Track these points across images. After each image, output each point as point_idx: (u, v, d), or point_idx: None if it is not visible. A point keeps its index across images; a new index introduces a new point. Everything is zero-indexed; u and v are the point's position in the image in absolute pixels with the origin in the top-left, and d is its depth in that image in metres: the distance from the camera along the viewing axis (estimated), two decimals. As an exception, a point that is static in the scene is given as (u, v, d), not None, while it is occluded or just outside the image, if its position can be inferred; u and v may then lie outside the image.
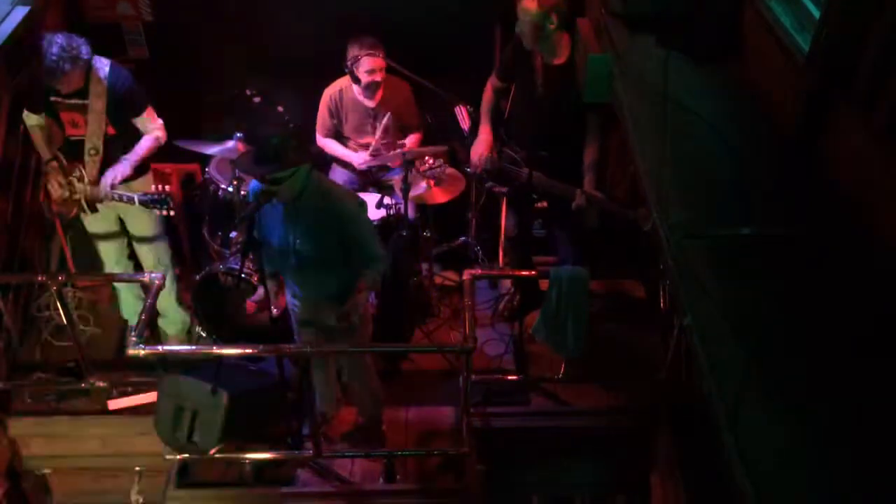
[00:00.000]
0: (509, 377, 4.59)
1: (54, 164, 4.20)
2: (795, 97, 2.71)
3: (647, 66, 3.22)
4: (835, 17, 2.47)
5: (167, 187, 4.00)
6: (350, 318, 3.58)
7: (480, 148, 4.35)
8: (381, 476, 4.21)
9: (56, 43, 3.84)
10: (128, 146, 4.20)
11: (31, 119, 4.20)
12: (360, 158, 4.81)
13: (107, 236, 4.44)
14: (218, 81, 5.29)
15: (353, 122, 4.81)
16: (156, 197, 4.03)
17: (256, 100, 5.33)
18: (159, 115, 4.26)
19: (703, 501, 3.75)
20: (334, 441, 4.31)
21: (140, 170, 4.28)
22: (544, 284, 4.30)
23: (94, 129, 4.08)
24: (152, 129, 4.22)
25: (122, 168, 4.15)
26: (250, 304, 3.87)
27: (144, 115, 4.18)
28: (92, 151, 4.14)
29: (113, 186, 4.10)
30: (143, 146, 4.21)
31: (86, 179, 4.16)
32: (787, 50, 2.80)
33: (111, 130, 4.13)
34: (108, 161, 4.17)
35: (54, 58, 3.82)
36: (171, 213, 4.07)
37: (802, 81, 2.65)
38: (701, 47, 3.30)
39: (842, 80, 2.47)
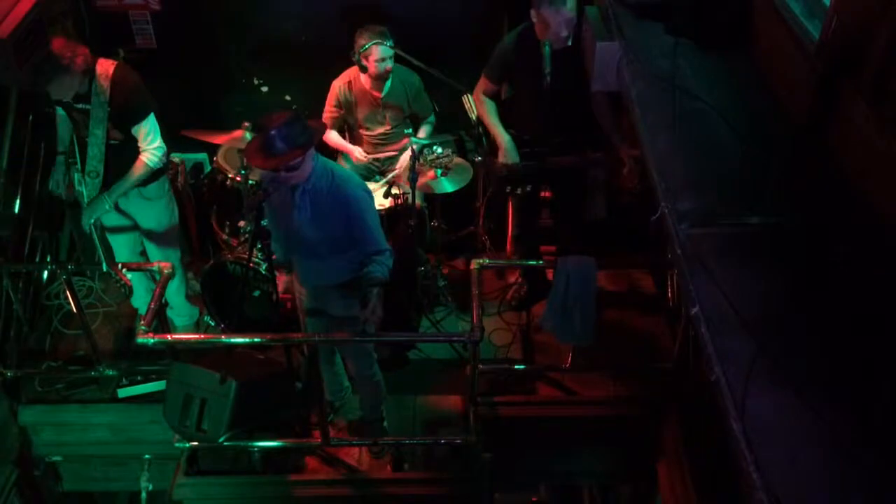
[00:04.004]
0: (517, 367, 4.59)
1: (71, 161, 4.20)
2: (805, 85, 2.70)
3: (656, 53, 3.21)
4: (845, 4, 2.45)
5: (128, 277, 4.04)
6: (374, 318, 3.52)
7: (511, 155, 4.32)
8: (388, 464, 4.24)
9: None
10: (131, 160, 4.07)
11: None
12: (358, 153, 4.83)
13: (119, 230, 4.44)
14: (225, 71, 5.29)
15: (363, 112, 4.80)
16: (121, 281, 4.04)
17: (264, 89, 5.34)
18: (165, 105, 4.17)
19: (710, 491, 3.75)
20: (342, 430, 4.33)
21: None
22: (551, 274, 4.29)
23: (95, 143, 3.98)
24: (146, 148, 4.04)
25: (108, 202, 4.09)
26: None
27: (143, 126, 4.00)
28: (92, 174, 4.06)
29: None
30: (133, 175, 4.06)
31: (85, 199, 4.12)
32: (797, 37, 2.78)
33: (116, 136, 4.03)
34: (109, 176, 4.09)
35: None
36: (155, 290, 4.00)
37: (812, 69, 2.63)
38: (710, 35, 3.28)
39: (852, 68, 2.46)
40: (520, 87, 4.33)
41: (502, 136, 4.34)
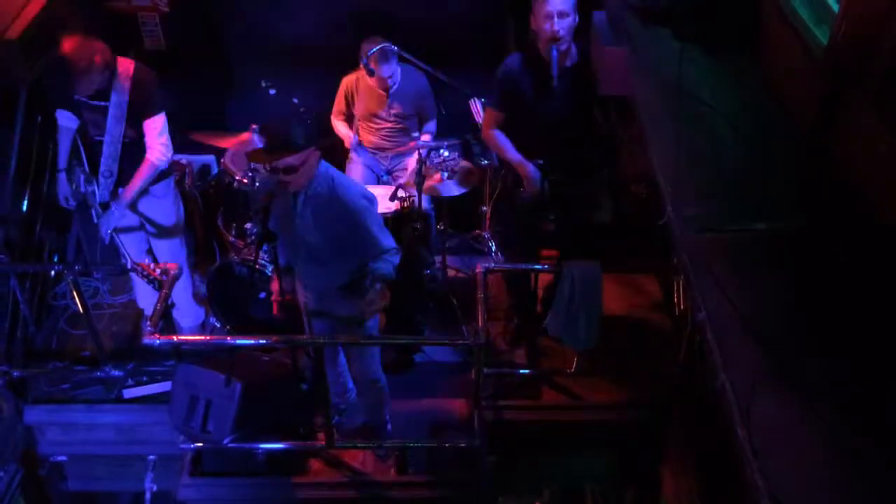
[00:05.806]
0: (521, 370, 4.59)
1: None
2: (812, 91, 2.70)
3: (663, 58, 3.21)
4: (854, 12, 2.44)
5: (158, 271, 4.00)
6: (368, 313, 3.57)
7: (536, 182, 4.04)
8: (392, 467, 4.23)
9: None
10: (142, 159, 4.09)
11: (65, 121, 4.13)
12: (353, 142, 5.01)
13: (128, 230, 4.46)
14: (233, 73, 5.31)
15: (370, 108, 4.90)
16: (150, 276, 4.03)
17: (272, 91, 5.35)
18: (174, 106, 4.17)
19: (714, 495, 3.74)
20: (346, 432, 4.33)
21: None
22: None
23: (112, 142, 4.01)
24: (153, 143, 4.05)
25: (120, 209, 4.12)
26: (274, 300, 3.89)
27: (154, 121, 4.02)
28: (106, 174, 4.09)
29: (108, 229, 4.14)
30: (141, 176, 4.07)
31: (97, 199, 4.13)
32: (805, 43, 2.78)
33: (130, 135, 4.05)
34: (122, 176, 4.12)
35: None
36: (161, 291, 3.99)
37: (819, 75, 2.63)
38: (717, 40, 3.29)
39: (859, 74, 2.45)
40: (519, 105, 4.05)
41: (525, 166, 4.02)
